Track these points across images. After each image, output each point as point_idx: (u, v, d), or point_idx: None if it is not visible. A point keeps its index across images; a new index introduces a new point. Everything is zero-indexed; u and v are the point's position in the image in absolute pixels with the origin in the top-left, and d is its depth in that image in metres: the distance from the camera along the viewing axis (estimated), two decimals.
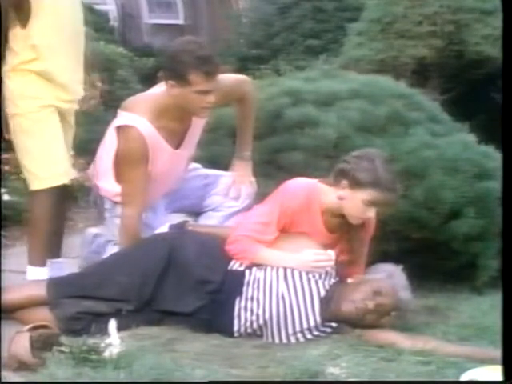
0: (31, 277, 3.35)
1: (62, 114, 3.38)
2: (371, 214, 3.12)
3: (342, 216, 3.16)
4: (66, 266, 3.55)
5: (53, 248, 3.52)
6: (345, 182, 3.12)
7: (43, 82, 3.28)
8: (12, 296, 3.04)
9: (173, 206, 3.56)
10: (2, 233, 4.02)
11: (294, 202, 3.15)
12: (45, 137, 3.30)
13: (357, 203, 3.10)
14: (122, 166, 3.29)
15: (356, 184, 3.09)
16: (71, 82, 3.40)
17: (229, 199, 3.54)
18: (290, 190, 3.18)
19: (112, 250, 3.39)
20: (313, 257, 3.07)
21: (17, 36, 3.23)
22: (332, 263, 3.10)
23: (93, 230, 3.62)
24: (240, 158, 3.65)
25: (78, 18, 3.44)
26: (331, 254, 3.11)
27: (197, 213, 3.61)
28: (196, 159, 3.68)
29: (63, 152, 3.36)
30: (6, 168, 4.46)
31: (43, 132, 3.29)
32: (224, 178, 3.60)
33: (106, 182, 3.40)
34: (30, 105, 3.27)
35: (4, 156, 3.97)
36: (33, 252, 3.37)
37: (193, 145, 3.51)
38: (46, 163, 3.30)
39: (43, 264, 3.37)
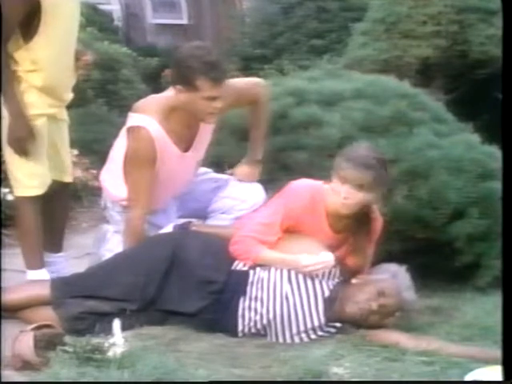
0: (31, 278, 3.36)
1: (53, 117, 3.37)
2: (360, 197, 3.05)
3: (348, 217, 3.15)
4: (67, 261, 3.57)
5: (54, 243, 3.55)
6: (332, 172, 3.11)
7: (38, 92, 3.27)
8: (15, 295, 3.05)
9: (183, 209, 3.56)
10: (5, 232, 4.03)
11: (299, 203, 3.14)
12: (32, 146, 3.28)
13: (337, 188, 3.07)
14: (130, 166, 3.29)
15: (337, 167, 3.08)
16: (64, 89, 3.41)
17: (239, 202, 3.53)
18: (295, 192, 3.18)
19: (116, 238, 3.40)
20: (306, 262, 3.03)
21: (18, 47, 3.22)
22: (330, 265, 3.07)
23: (108, 227, 3.59)
24: (249, 163, 3.63)
25: (75, 29, 3.42)
26: (328, 256, 3.06)
27: (206, 216, 3.60)
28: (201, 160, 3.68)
29: (44, 164, 3.34)
30: None
31: None
32: (234, 181, 3.61)
33: (117, 186, 3.40)
34: None
35: None
36: (27, 256, 3.39)
37: (202, 149, 3.50)
38: (29, 172, 3.29)
39: (40, 266, 3.38)
